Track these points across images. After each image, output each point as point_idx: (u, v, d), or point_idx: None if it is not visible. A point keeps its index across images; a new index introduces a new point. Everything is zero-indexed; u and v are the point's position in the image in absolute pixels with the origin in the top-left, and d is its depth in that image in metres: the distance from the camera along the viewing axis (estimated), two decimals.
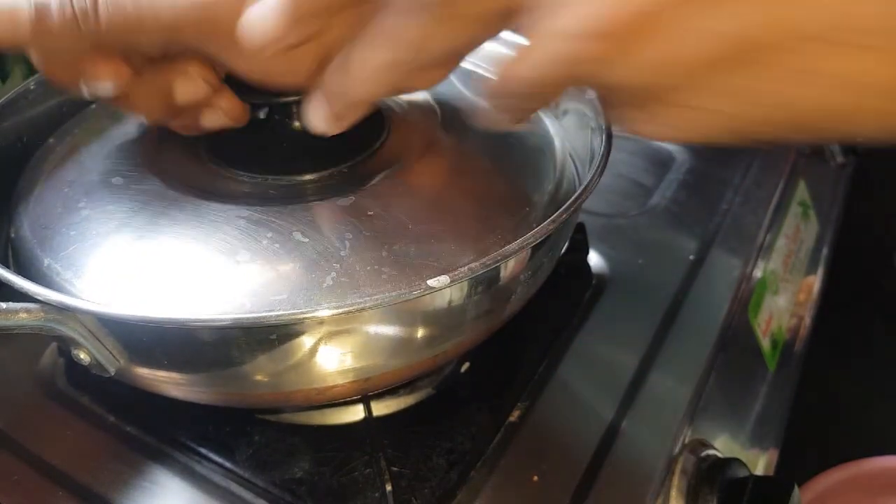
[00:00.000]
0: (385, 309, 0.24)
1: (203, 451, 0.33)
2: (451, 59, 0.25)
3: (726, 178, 0.54)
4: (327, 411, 0.34)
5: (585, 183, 0.27)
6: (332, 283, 0.24)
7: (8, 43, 0.24)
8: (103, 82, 0.25)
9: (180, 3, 0.23)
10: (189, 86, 0.27)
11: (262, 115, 0.29)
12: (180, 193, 0.28)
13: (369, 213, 0.27)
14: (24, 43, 0.24)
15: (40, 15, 0.23)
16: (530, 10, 0.19)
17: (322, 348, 0.24)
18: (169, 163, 0.28)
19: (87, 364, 0.25)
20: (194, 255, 0.25)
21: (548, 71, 0.20)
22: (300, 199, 0.27)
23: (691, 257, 0.45)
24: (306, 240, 0.26)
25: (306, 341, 0.24)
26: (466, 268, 0.23)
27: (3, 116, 0.32)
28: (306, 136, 0.26)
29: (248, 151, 0.29)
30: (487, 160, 0.31)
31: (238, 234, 0.26)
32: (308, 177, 0.28)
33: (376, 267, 0.25)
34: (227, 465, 0.32)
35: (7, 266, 0.27)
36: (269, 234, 0.26)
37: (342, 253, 0.25)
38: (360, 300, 0.22)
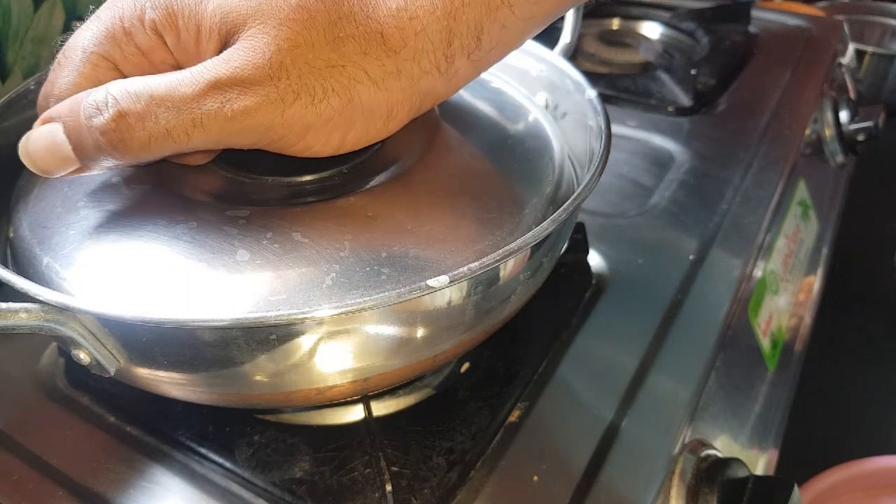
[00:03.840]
0: (385, 309, 0.24)
1: (203, 451, 0.33)
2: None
3: (726, 178, 0.54)
4: (327, 411, 0.34)
5: (585, 182, 0.27)
6: (331, 283, 0.24)
7: (65, 172, 0.25)
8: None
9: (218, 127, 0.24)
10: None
11: None
12: (180, 193, 0.28)
13: (369, 213, 0.27)
14: (79, 167, 0.25)
15: (76, 146, 0.25)
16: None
17: (322, 348, 0.24)
18: (168, 163, 0.28)
19: (86, 364, 0.24)
20: (194, 254, 0.25)
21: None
22: (300, 200, 0.27)
23: (691, 257, 0.45)
24: (306, 240, 0.26)
25: (306, 341, 0.24)
26: (466, 268, 0.23)
27: (4, 116, 0.32)
28: None
29: (248, 152, 0.29)
30: (486, 161, 0.31)
31: (238, 234, 0.26)
32: (308, 177, 0.28)
33: (376, 267, 0.25)
34: (227, 465, 0.32)
35: (6, 265, 0.27)
36: (269, 235, 0.26)
37: (342, 253, 0.25)
38: (360, 300, 0.22)
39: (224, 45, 0.25)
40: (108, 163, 0.25)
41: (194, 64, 0.26)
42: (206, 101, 0.24)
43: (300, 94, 0.24)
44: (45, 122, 0.25)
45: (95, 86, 0.26)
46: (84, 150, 0.24)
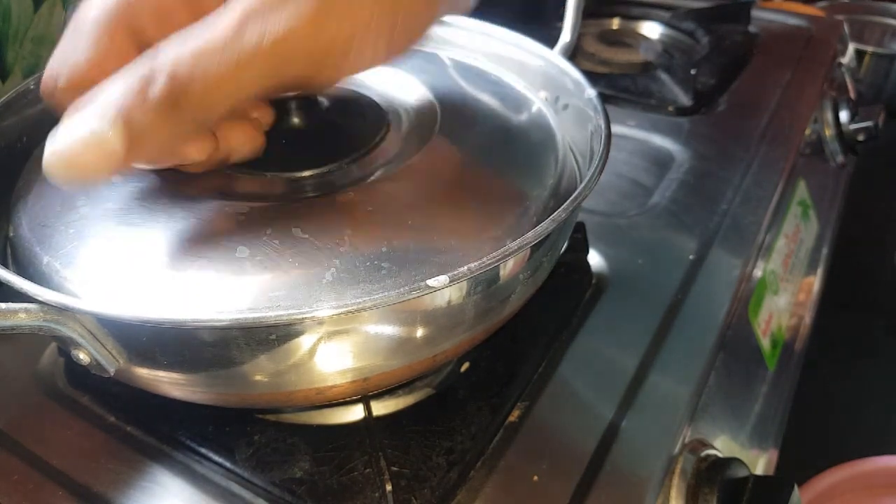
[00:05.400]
0: (384, 309, 0.24)
1: (203, 451, 0.33)
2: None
3: (726, 177, 0.54)
4: (327, 411, 0.34)
5: (585, 181, 0.27)
6: (331, 278, 0.24)
7: (104, 168, 0.22)
8: (196, 160, 0.26)
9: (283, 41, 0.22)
10: (252, 142, 0.27)
11: None
12: (179, 190, 0.28)
13: (369, 208, 0.27)
14: (120, 171, 0.23)
15: (126, 127, 0.21)
16: None
17: (321, 348, 0.24)
18: None
19: (86, 364, 0.24)
20: (194, 251, 0.25)
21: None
22: (300, 195, 0.27)
23: (691, 257, 0.45)
24: (306, 236, 0.26)
25: (305, 341, 0.24)
26: (465, 268, 0.23)
27: (4, 116, 0.32)
28: (305, 132, 0.26)
29: None
30: (488, 154, 0.31)
31: (238, 230, 0.26)
32: (307, 173, 0.28)
33: (376, 262, 0.25)
34: (227, 465, 0.32)
35: (6, 265, 0.27)
36: (269, 231, 0.26)
37: (342, 249, 0.25)
38: (359, 300, 0.22)
39: None
40: (156, 141, 0.23)
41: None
42: (244, 35, 0.22)
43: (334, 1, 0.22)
44: (71, 115, 0.22)
45: (114, 58, 0.24)
46: (134, 129, 0.21)
